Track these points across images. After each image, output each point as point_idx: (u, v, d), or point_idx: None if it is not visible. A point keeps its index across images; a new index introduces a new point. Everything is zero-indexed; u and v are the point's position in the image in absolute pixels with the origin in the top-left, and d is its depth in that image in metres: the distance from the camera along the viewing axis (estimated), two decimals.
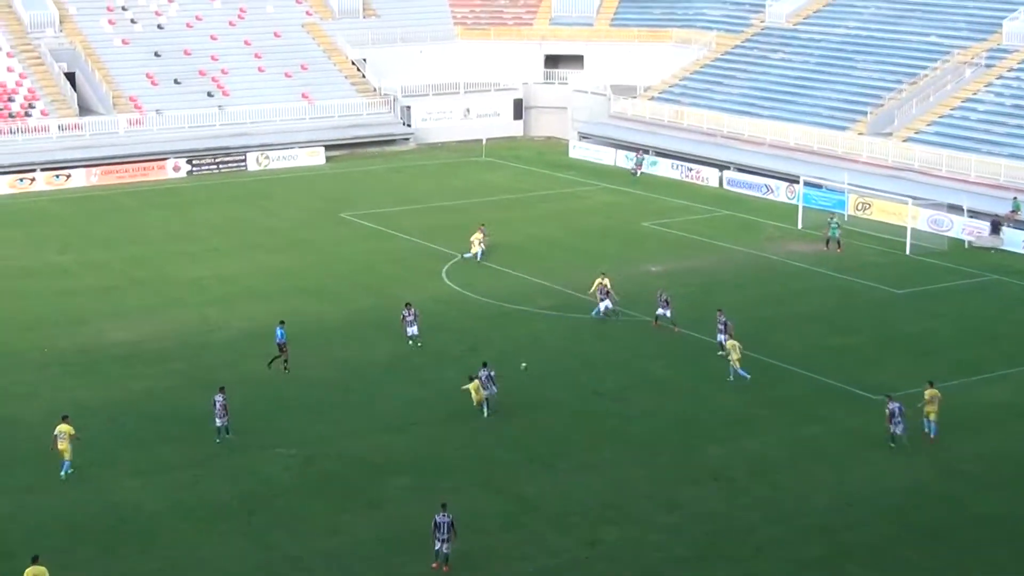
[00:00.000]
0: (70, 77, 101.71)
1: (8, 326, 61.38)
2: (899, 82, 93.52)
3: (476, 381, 50.16)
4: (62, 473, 44.95)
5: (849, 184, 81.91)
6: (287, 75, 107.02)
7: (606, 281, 62.06)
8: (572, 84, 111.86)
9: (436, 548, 38.87)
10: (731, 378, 53.35)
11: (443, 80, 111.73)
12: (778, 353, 56.15)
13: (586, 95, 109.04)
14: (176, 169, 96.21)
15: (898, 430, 46.71)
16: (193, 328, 61.12)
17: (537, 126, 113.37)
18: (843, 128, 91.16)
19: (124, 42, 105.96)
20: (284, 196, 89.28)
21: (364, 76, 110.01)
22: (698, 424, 49.61)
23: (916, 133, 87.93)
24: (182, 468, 45.99)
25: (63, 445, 45.11)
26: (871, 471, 45.36)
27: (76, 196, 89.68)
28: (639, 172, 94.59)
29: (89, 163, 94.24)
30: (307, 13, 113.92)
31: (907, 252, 73.14)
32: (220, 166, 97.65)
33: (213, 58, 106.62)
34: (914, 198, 77.07)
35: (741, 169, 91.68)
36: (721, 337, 55.78)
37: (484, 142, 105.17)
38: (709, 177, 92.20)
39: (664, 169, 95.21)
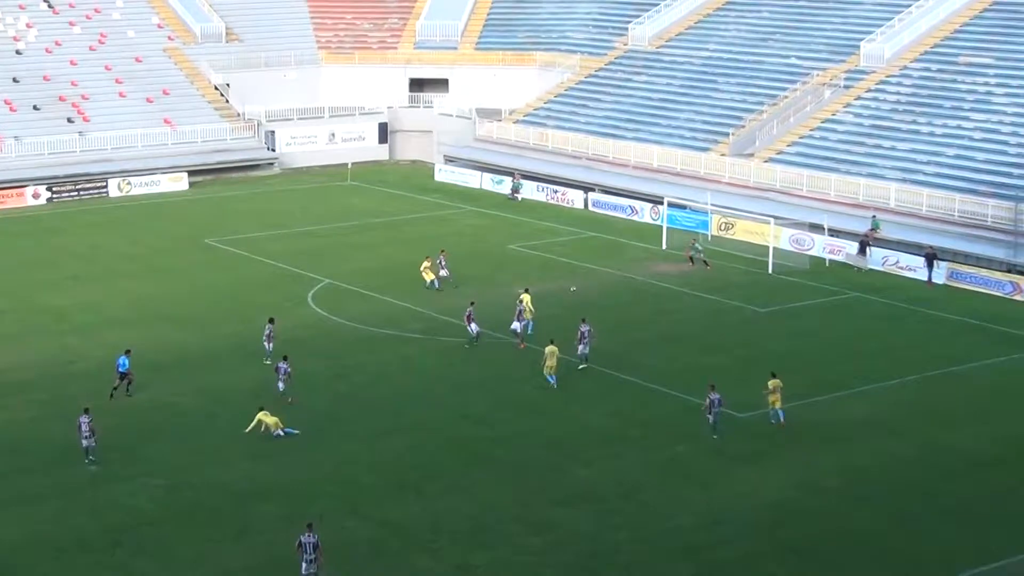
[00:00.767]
0: None
1: None
2: (760, 104, 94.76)
3: (263, 411, 50.08)
4: None
5: (712, 204, 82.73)
6: (149, 100, 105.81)
7: (526, 297, 62.45)
8: (437, 108, 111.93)
9: (303, 572, 38.47)
10: (553, 384, 54.82)
11: (308, 104, 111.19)
12: (646, 373, 56.44)
13: (451, 118, 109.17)
14: (36, 196, 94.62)
15: (712, 418, 49.63)
16: (55, 358, 60.05)
17: (403, 150, 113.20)
18: (706, 149, 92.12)
19: None
20: (147, 223, 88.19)
21: (227, 101, 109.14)
22: (567, 445, 49.61)
23: (777, 154, 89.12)
24: (44, 500, 45.10)
25: None
26: (738, 489, 45.70)
27: None
28: (518, 197, 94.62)
29: None
30: (169, 38, 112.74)
31: (770, 271, 73.99)
32: (81, 193, 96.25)
33: (73, 83, 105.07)
34: (776, 217, 78.03)
35: (606, 191, 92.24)
36: (581, 347, 56.78)
37: (350, 166, 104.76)
38: (575, 199, 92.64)
39: (530, 192, 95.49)
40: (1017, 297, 68.77)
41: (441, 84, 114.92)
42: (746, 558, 40.83)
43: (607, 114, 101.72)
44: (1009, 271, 70.93)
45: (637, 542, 41.89)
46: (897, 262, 74.06)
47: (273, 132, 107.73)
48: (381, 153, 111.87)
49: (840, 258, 75.49)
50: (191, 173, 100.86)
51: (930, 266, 71.77)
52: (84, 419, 47.57)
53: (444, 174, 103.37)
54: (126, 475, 46.79)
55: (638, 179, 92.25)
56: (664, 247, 79.38)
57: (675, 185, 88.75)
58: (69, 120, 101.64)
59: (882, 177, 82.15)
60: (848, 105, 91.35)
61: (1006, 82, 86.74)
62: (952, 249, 73.65)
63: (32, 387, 56.12)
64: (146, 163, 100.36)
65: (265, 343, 58.74)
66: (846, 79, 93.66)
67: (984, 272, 71.08)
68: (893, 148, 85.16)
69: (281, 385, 54.01)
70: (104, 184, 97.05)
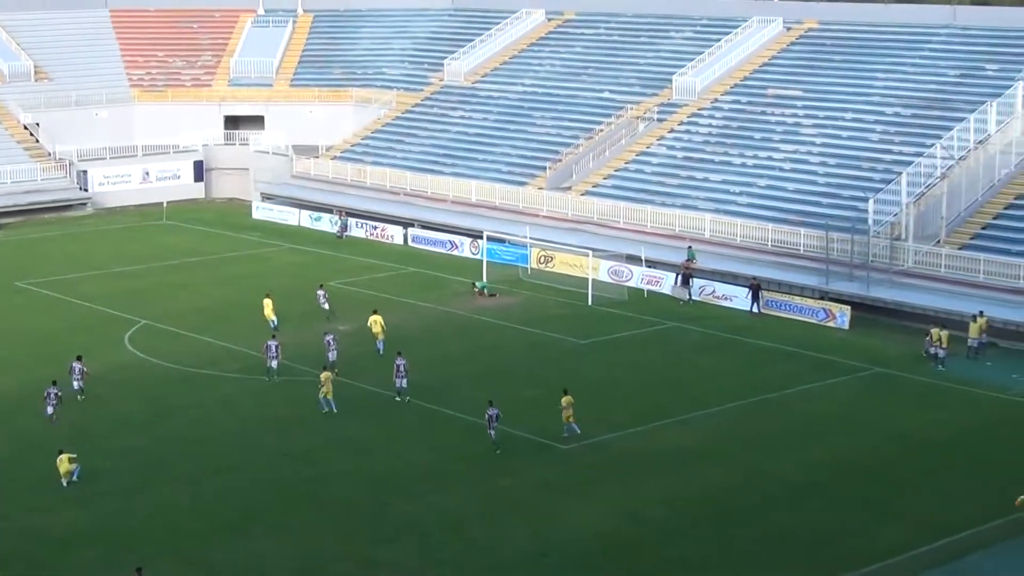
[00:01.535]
0: None
1: None
2: (576, 137, 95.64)
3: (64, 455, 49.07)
4: None
5: (531, 238, 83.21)
6: None
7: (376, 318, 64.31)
8: (253, 145, 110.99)
9: None
10: (326, 409, 55.98)
11: (121, 143, 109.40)
12: (469, 408, 56.30)
13: (267, 156, 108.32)
14: None
15: (491, 434, 51.49)
16: None
17: (219, 188, 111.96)
18: (523, 183, 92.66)
19: None
20: None
21: (37, 141, 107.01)
22: (390, 481, 49.34)
23: (594, 186, 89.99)
24: None
25: None
26: (563, 520, 45.81)
27: None
28: (344, 234, 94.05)
29: None
30: None
31: (589, 303, 74.56)
32: None
33: None
34: (594, 250, 78.74)
35: (425, 226, 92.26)
36: (399, 380, 57.67)
37: (165, 205, 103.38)
38: (394, 235, 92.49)
39: (349, 228, 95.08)
40: (830, 324, 70.20)
41: (257, 121, 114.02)
42: None
43: (425, 149, 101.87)
44: (822, 298, 72.37)
45: None
46: (714, 292, 75.15)
47: (86, 172, 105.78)
48: (197, 191, 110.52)
49: (664, 290, 76.25)
50: (1, 215, 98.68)
51: (755, 298, 72.82)
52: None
53: (262, 212, 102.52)
54: None
55: (457, 214, 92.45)
56: (484, 281, 79.53)
57: (494, 219, 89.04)
58: None
59: (696, 208, 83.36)
60: (662, 138, 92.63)
61: (813, 113, 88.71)
62: (767, 278, 74.91)
63: None
64: None
65: (75, 382, 57.99)
66: (659, 112, 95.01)
67: (798, 300, 72.44)
68: (706, 179, 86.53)
69: (76, 384, 56.83)
70: None
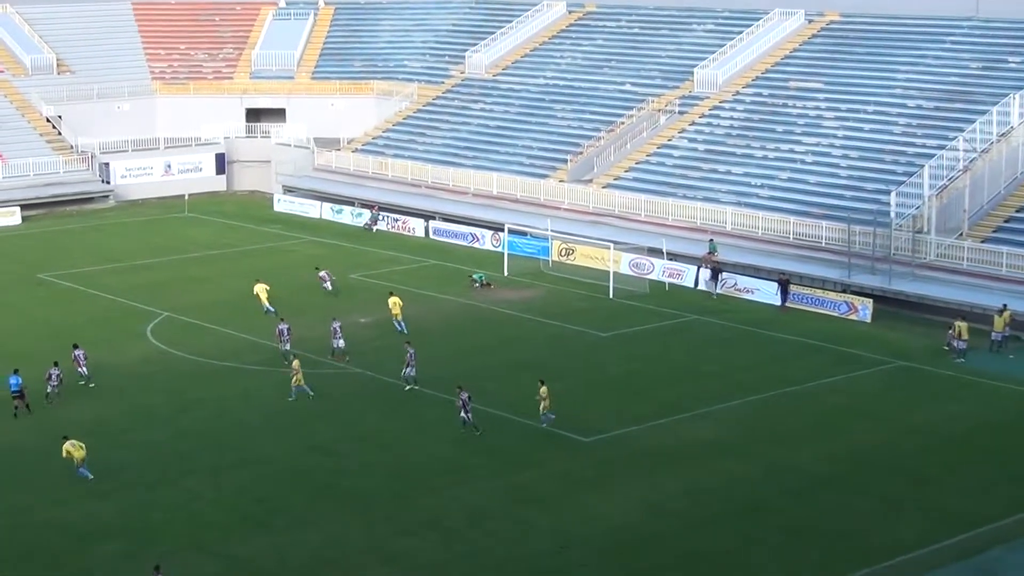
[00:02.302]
0: None
1: None
2: (597, 130, 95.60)
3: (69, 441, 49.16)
4: None
5: (552, 231, 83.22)
6: None
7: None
8: (275, 137, 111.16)
9: None
10: (292, 397, 56.96)
11: (143, 136, 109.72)
12: (491, 401, 56.34)
13: (289, 148, 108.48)
14: None
15: (468, 417, 52.56)
16: None
17: (241, 180, 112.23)
18: (544, 176, 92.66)
19: None
20: None
21: (60, 133, 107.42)
22: (413, 475, 49.42)
23: (615, 179, 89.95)
24: None
25: None
26: (585, 513, 45.82)
27: None
28: (375, 227, 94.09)
29: None
30: None
31: (611, 296, 74.55)
32: None
33: None
34: (615, 243, 78.70)
35: (447, 219, 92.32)
36: (407, 370, 58.36)
37: (187, 198, 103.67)
38: (415, 227, 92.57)
39: (360, 217, 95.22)
40: (852, 317, 70.09)
41: (278, 114, 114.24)
42: None
43: (446, 142, 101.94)
44: (844, 291, 72.25)
45: (485, 570, 41.86)
46: (735, 284, 75.07)
47: (108, 164, 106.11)
48: (219, 184, 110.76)
49: (686, 283, 76.14)
50: (24, 207, 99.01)
51: (784, 292, 72.64)
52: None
53: (283, 204, 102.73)
54: None
55: (478, 206, 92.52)
56: (506, 274, 79.61)
57: (515, 212, 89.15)
58: None
59: (718, 201, 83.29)
60: (683, 130, 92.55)
61: (835, 106, 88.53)
62: (788, 271, 74.81)
63: None
64: None
65: (80, 369, 59.42)
66: (681, 105, 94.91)
67: (820, 293, 72.32)
68: (728, 172, 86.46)
69: (82, 371, 59.02)
70: None
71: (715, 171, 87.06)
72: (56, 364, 57.54)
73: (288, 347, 61.92)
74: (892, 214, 74.17)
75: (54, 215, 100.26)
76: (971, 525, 44.51)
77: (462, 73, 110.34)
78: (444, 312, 72.25)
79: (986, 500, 46.74)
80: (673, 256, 78.74)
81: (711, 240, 79.03)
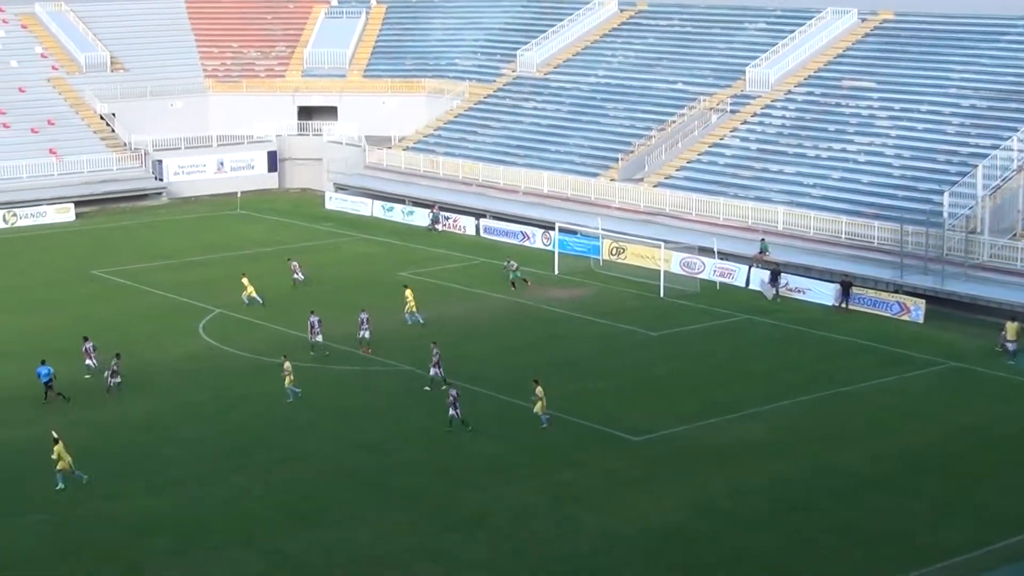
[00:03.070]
0: None
1: None
2: (648, 129, 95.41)
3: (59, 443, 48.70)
4: None
5: (603, 229, 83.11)
6: (33, 131, 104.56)
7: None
8: (326, 135, 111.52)
9: None
10: (289, 399, 56.73)
11: (196, 133, 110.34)
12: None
13: (341, 146, 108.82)
14: None
15: (457, 413, 52.50)
16: None
17: (292, 178, 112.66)
18: (595, 175, 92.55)
19: None
20: (32, 255, 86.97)
21: (114, 131, 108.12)
22: (458, 473, 49.49)
23: (666, 178, 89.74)
24: None
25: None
26: (631, 513, 45.76)
27: None
28: (438, 227, 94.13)
29: None
30: (53, 67, 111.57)
31: (661, 295, 74.38)
32: None
33: None
34: (666, 242, 78.54)
35: (497, 217, 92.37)
36: (434, 371, 57.74)
37: (239, 195, 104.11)
38: (466, 226, 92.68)
39: (422, 219, 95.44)
40: (904, 317, 69.68)
41: (330, 112, 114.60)
42: None
43: (497, 140, 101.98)
44: (897, 292, 71.83)
45: (530, 568, 41.85)
46: (787, 284, 74.72)
47: (161, 162, 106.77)
48: (270, 181, 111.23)
49: (737, 282, 75.91)
50: (78, 204, 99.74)
51: (846, 294, 72.07)
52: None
53: (334, 202, 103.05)
54: (10, 511, 45.96)
55: (529, 205, 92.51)
56: (556, 272, 79.56)
57: (566, 210, 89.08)
58: None
59: (769, 200, 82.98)
60: (735, 129, 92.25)
61: (888, 105, 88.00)
62: (840, 271, 74.45)
63: None
64: (31, 194, 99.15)
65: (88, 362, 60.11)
66: (732, 104, 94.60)
67: (872, 293, 71.93)
68: (780, 172, 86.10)
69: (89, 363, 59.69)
70: None
71: (767, 170, 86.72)
72: (118, 356, 58.31)
73: (320, 339, 62.95)
74: (945, 214, 73.67)
75: (107, 212, 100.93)
76: (1021, 528, 44.12)
77: (513, 72, 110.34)
78: (493, 310, 72.31)
79: None
80: (724, 255, 78.48)
81: (763, 239, 78.74)
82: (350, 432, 53.53)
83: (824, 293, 73.08)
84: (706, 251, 78.69)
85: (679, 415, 54.24)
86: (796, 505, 46.36)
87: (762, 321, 69.85)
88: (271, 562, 42.52)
